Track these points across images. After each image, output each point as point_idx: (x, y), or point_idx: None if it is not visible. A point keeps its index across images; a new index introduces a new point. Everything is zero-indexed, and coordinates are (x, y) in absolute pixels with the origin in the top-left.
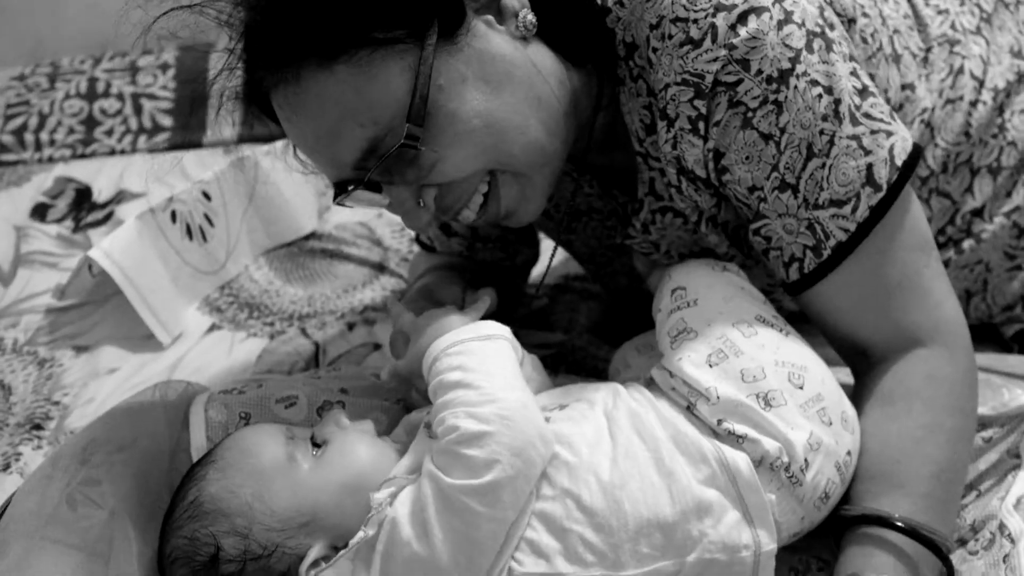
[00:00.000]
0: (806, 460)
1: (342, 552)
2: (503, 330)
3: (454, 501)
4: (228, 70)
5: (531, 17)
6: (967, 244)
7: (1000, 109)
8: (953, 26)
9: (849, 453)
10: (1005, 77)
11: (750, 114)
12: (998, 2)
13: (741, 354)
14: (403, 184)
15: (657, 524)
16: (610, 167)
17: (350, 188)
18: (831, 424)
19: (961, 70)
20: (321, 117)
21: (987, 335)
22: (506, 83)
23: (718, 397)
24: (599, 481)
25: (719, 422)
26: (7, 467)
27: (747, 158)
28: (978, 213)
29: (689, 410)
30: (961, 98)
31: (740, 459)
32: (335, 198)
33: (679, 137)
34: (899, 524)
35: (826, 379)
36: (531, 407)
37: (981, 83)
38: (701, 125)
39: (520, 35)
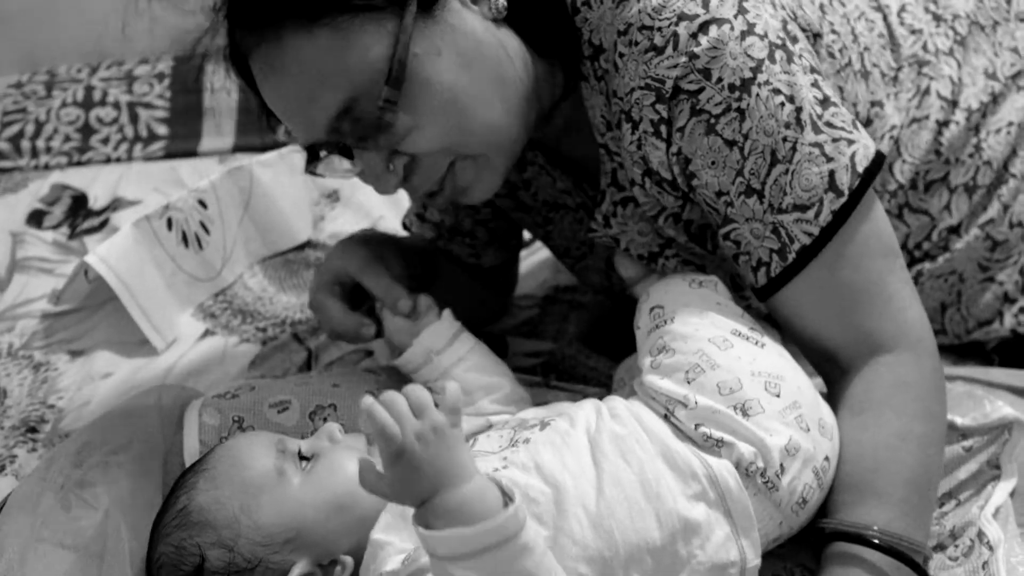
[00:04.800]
0: (782, 465)
1: None
2: (512, 527)
3: None
4: (212, 31)
5: (502, 1)
6: (942, 257)
7: (975, 129)
8: (925, 47)
9: (827, 459)
10: (979, 98)
11: (713, 120)
12: (973, 24)
13: (717, 367)
14: (375, 149)
15: (647, 549)
16: (579, 161)
17: (322, 154)
18: (808, 430)
19: (927, 91)
20: (298, 79)
21: (969, 349)
22: (476, 60)
23: (696, 403)
24: (587, 513)
25: (696, 426)
26: (2, 469)
27: (712, 163)
28: (955, 230)
29: (667, 418)
30: (927, 117)
31: (728, 474)
32: (307, 166)
33: (643, 139)
34: (876, 541)
35: (803, 387)
36: None
37: (954, 104)
38: (663, 128)
39: (491, 16)
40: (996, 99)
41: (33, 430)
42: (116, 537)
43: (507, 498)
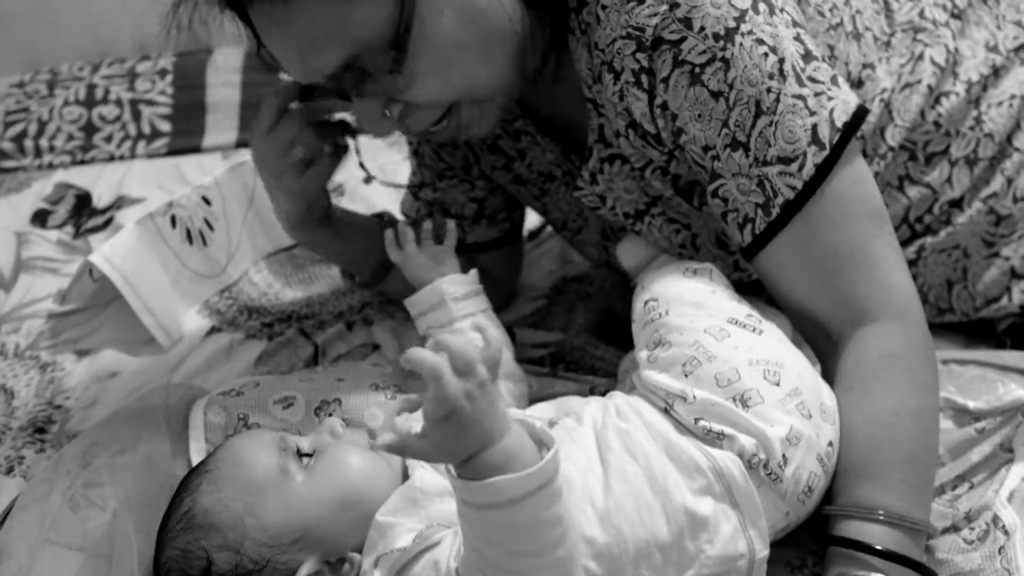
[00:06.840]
0: (784, 456)
1: None
2: (551, 471)
3: None
4: None
5: None
6: (944, 231)
7: (976, 102)
8: (921, 14)
9: (831, 444)
10: (979, 70)
11: (697, 70)
12: None
13: (714, 358)
14: (372, 97)
15: (655, 545)
16: (564, 126)
17: (316, 96)
18: (811, 417)
19: (921, 56)
20: (301, 32)
21: (981, 330)
22: (476, 15)
23: (694, 397)
24: (595, 509)
25: (696, 420)
26: (10, 470)
27: (699, 116)
28: (956, 204)
29: (667, 412)
30: (919, 82)
31: (733, 464)
32: (300, 99)
33: (625, 90)
34: (878, 548)
35: (803, 372)
36: None
37: (953, 74)
38: (644, 79)
39: None
40: (998, 72)
41: (41, 431)
42: (124, 538)
43: (541, 445)
